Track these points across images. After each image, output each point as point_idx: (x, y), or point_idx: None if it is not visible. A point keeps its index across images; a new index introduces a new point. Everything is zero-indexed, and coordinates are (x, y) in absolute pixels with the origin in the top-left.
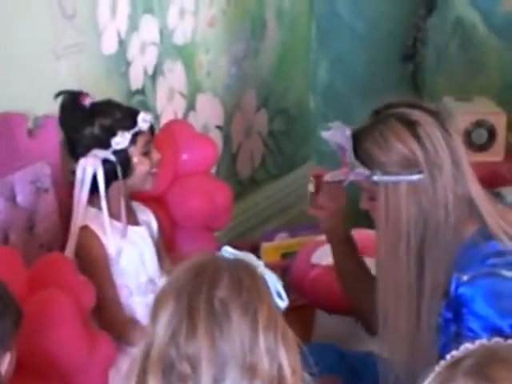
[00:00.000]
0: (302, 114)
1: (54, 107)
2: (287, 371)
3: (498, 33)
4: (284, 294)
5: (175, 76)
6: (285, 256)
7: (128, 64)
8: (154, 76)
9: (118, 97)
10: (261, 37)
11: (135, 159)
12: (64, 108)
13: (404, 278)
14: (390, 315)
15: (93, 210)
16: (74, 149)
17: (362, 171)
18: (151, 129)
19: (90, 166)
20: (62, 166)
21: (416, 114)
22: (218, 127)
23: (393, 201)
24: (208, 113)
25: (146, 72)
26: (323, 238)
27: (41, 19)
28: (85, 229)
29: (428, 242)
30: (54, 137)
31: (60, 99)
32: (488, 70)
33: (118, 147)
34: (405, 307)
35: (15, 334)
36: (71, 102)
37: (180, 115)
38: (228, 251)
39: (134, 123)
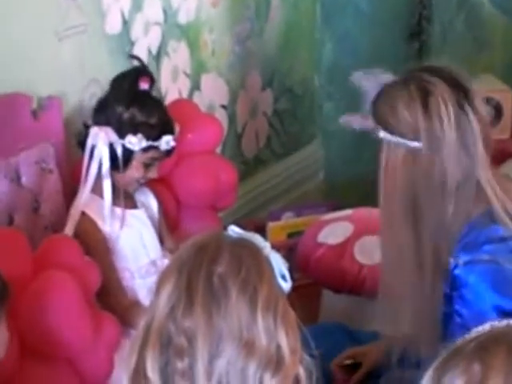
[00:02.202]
0: (307, 93)
1: (57, 88)
2: (286, 352)
3: (503, 9)
4: (288, 276)
5: (179, 56)
6: (291, 235)
7: (132, 44)
8: (158, 56)
9: None
10: (265, 16)
11: (134, 163)
12: (126, 74)
13: (403, 248)
14: (392, 286)
15: (89, 195)
16: (102, 110)
17: (370, 122)
18: (169, 151)
19: (100, 141)
20: (67, 146)
21: (435, 84)
22: (223, 107)
23: (391, 161)
24: (213, 92)
25: (150, 52)
26: (329, 216)
27: (44, 0)
28: (82, 215)
29: (420, 216)
30: (58, 118)
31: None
32: (494, 47)
33: (128, 146)
34: (407, 278)
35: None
36: (135, 74)
37: (185, 95)
38: (234, 230)
39: (158, 138)
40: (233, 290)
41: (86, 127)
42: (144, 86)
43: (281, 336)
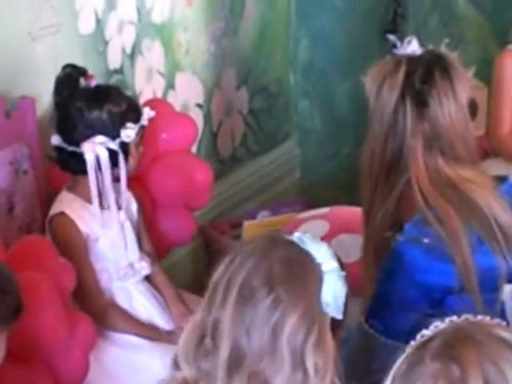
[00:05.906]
0: (282, 91)
1: (30, 88)
2: (311, 375)
3: (478, 6)
4: (342, 307)
5: (154, 55)
6: None
7: (106, 43)
8: (133, 55)
9: (97, 77)
10: (240, 14)
11: (132, 149)
12: (64, 83)
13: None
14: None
15: (69, 196)
16: (72, 129)
17: None
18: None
19: (100, 151)
20: (41, 146)
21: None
22: (198, 106)
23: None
24: (187, 91)
25: (124, 51)
26: (305, 214)
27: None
28: (61, 215)
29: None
30: (31, 118)
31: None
32: (468, 44)
33: (127, 140)
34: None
35: (6, 323)
36: (76, 78)
37: (159, 94)
38: (302, 239)
39: (139, 116)
40: (260, 307)
41: (60, 150)
42: (92, 82)
43: (309, 363)
